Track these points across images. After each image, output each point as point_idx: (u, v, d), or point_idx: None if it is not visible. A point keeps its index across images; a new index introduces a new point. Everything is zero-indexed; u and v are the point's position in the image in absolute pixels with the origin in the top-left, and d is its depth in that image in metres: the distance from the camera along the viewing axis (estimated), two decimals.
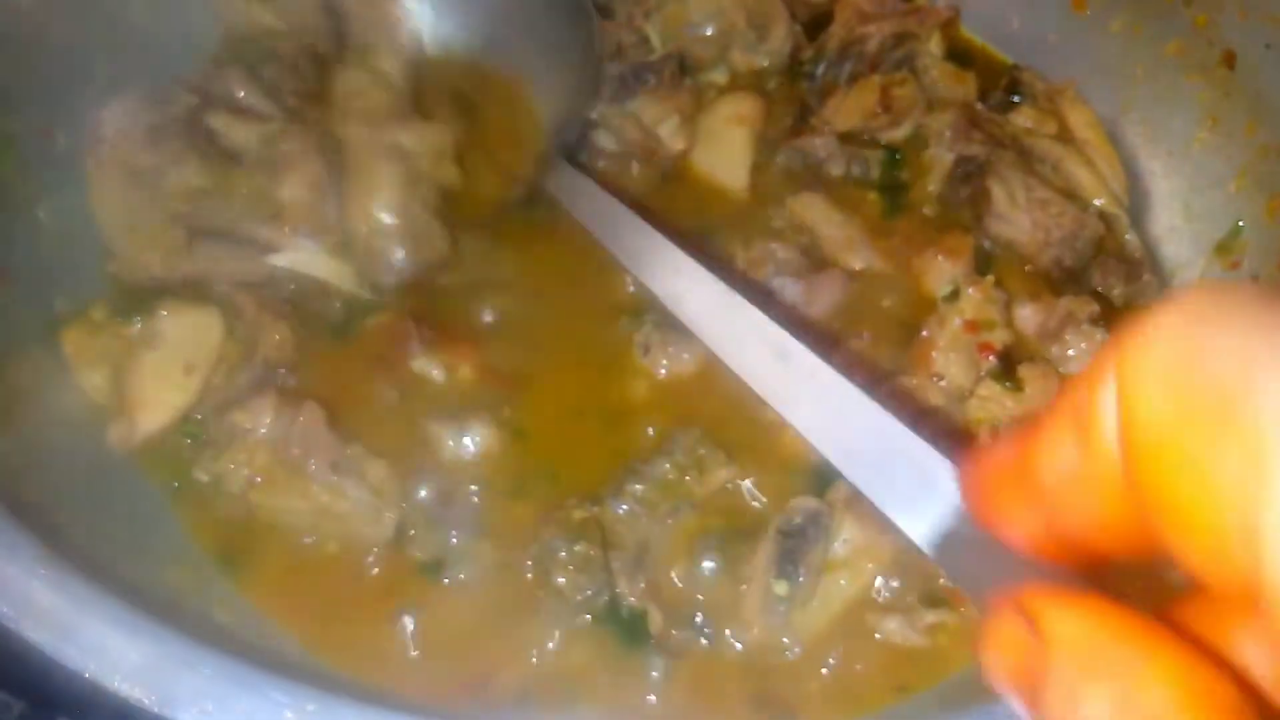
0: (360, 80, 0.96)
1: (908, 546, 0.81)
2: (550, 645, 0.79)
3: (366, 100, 0.95)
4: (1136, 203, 1.07)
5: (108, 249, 0.89)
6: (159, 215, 0.87)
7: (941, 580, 0.83)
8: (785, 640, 0.81)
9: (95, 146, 0.87)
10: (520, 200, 0.98)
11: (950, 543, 0.44)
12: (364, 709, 0.48)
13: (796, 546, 0.82)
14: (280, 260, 0.91)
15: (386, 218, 0.90)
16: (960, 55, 1.17)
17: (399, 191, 0.91)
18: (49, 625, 0.50)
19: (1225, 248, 0.98)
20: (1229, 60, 0.99)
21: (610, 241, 0.80)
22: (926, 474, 0.47)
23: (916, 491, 0.46)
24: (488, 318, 0.93)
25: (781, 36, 1.09)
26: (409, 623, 0.80)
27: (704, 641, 0.80)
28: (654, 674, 0.78)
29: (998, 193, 1.01)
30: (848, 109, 1.07)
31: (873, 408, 0.52)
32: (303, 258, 0.91)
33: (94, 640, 0.49)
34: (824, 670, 0.81)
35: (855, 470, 0.50)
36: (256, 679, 0.49)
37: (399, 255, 0.92)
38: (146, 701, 0.47)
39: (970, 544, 0.44)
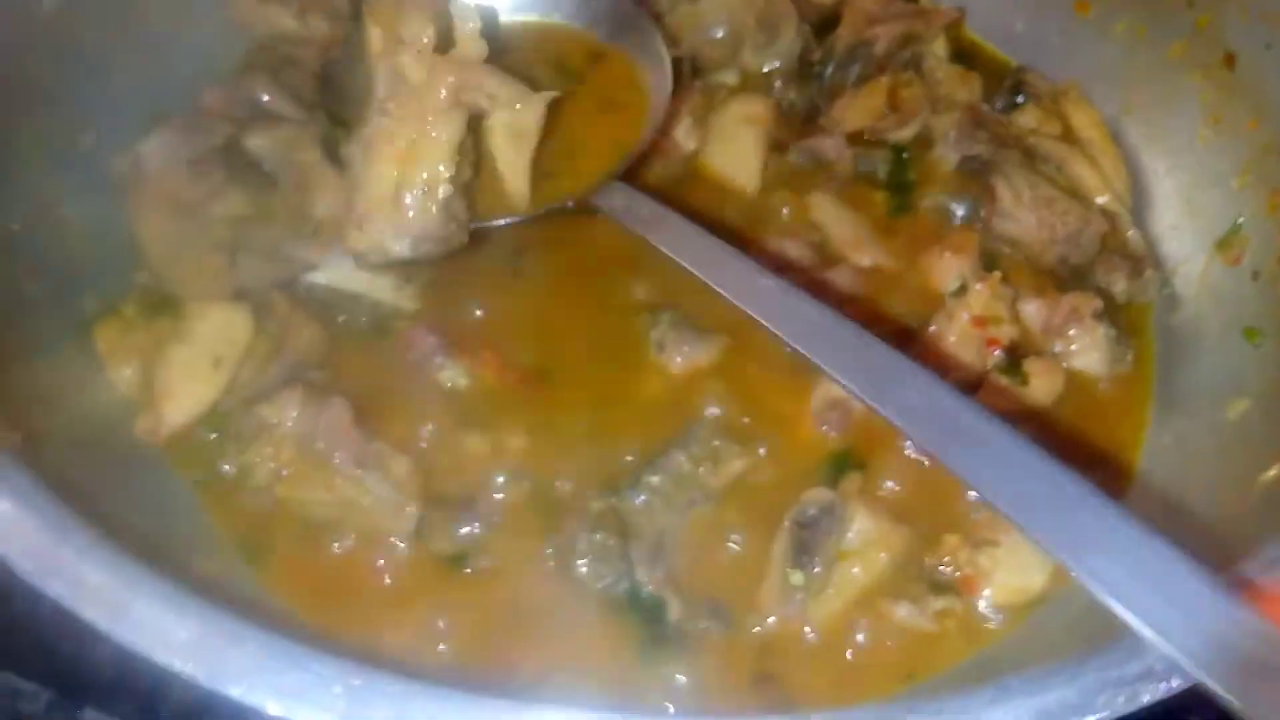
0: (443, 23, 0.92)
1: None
2: (572, 632, 0.81)
3: (459, 44, 0.90)
4: (1139, 200, 1.09)
5: (142, 262, 0.90)
6: (203, 243, 0.88)
7: (949, 569, 0.85)
8: (802, 628, 0.83)
9: (136, 179, 0.88)
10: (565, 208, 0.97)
11: (1237, 663, 0.44)
12: (408, 683, 0.50)
13: (811, 537, 0.84)
14: (319, 277, 0.93)
15: (444, 171, 0.88)
16: (965, 56, 1.20)
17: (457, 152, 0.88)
18: (101, 604, 0.52)
19: (1226, 244, 0.99)
20: (1230, 61, 1.01)
21: (682, 256, 0.84)
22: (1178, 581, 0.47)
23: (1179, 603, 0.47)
24: (508, 319, 0.95)
25: (791, 38, 1.11)
26: (432, 613, 0.82)
27: (722, 629, 0.82)
28: (672, 659, 0.80)
29: (1003, 191, 1.03)
30: (856, 109, 1.09)
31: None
32: (341, 275, 0.94)
33: (144, 618, 0.51)
34: (837, 657, 0.83)
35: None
36: (302, 655, 0.51)
37: (433, 224, 0.89)
38: (198, 676, 0.49)
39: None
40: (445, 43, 0.91)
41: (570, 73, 1.05)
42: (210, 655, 0.50)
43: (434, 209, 0.88)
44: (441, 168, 0.88)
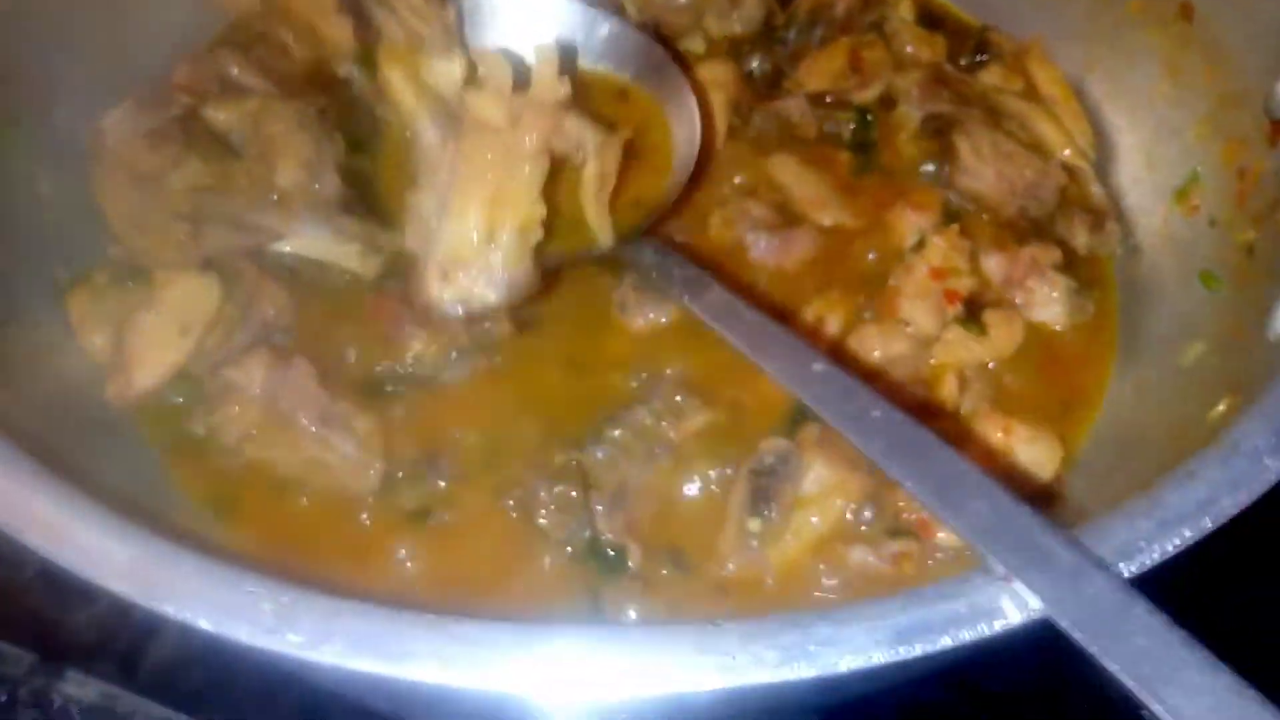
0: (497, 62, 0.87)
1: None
2: (534, 581, 0.83)
3: (537, 85, 0.85)
4: (1103, 155, 1.10)
5: (112, 235, 0.92)
6: (165, 213, 0.89)
7: (904, 514, 0.86)
8: (760, 573, 0.84)
9: (98, 152, 0.90)
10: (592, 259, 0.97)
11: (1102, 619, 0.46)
12: (339, 600, 0.52)
13: (768, 485, 0.85)
14: (285, 246, 0.94)
15: (536, 215, 0.86)
16: (932, 19, 1.21)
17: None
18: (45, 531, 0.54)
19: (1184, 194, 1.00)
20: (1187, 13, 1.02)
21: (723, 327, 0.83)
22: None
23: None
24: None
25: (754, 3, 1.13)
26: (398, 565, 0.84)
27: (682, 575, 0.84)
28: (631, 605, 0.82)
29: (964, 148, 1.04)
30: (818, 72, 1.10)
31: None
32: (307, 243, 0.94)
33: (85, 543, 0.53)
34: (796, 602, 0.84)
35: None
36: (234, 575, 0.53)
37: (517, 273, 0.87)
38: (134, 596, 0.51)
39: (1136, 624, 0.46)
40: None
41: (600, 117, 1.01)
42: (146, 576, 0.52)
43: (526, 255, 0.87)
44: (532, 212, 0.86)
